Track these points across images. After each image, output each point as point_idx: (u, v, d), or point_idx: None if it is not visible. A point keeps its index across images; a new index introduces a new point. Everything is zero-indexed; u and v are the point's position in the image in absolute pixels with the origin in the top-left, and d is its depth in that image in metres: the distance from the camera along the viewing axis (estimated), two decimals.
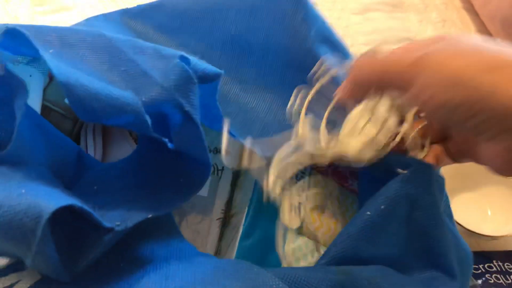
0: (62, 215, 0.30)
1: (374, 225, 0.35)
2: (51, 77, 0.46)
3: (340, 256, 0.35)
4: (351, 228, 0.36)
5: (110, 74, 0.36)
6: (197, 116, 0.34)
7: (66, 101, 0.45)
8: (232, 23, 0.48)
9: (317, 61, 0.43)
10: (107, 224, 0.31)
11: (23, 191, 0.30)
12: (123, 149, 0.43)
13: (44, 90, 0.45)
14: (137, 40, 0.37)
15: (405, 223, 0.36)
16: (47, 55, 0.35)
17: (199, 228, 0.42)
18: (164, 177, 0.36)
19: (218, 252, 0.42)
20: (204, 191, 0.44)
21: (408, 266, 0.36)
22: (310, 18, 0.46)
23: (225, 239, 0.42)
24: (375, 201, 0.36)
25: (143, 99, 0.34)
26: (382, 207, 0.35)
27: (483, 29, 0.77)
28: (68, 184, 0.37)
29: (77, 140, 0.44)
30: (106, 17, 0.51)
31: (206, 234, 0.42)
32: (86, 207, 0.30)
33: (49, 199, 0.29)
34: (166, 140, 0.35)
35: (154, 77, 0.34)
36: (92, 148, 0.42)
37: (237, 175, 0.46)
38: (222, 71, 0.36)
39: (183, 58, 0.34)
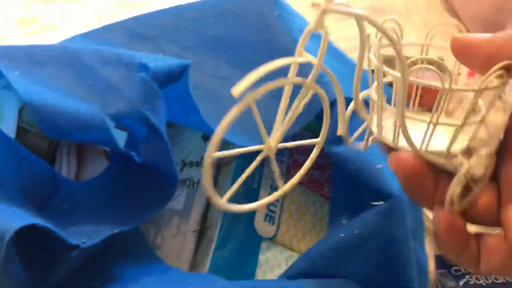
0: (29, 235, 0.31)
1: (346, 247, 0.36)
2: None
3: (307, 271, 0.35)
4: (322, 246, 0.36)
5: (78, 89, 0.36)
6: (163, 129, 0.34)
7: None
8: (210, 28, 0.49)
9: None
10: (72, 241, 0.31)
11: None
12: (98, 168, 0.43)
13: (20, 111, 0.45)
14: (100, 49, 0.37)
15: (376, 251, 0.36)
16: (11, 75, 0.35)
17: (175, 241, 0.42)
18: (133, 192, 0.36)
19: (193, 264, 0.42)
20: (179, 205, 0.44)
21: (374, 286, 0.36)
22: (285, 13, 0.47)
23: (200, 251, 0.42)
24: (350, 225, 0.36)
25: (110, 112, 0.34)
26: (356, 232, 0.35)
27: (465, 31, 0.77)
28: (41, 204, 0.37)
29: (53, 159, 0.44)
30: (85, 35, 0.52)
31: (181, 246, 0.42)
32: (49, 225, 0.30)
33: (13, 219, 0.30)
34: (134, 153, 0.35)
35: (120, 90, 0.35)
36: (66, 168, 0.42)
37: (214, 187, 0.46)
38: (189, 61, 0.37)
39: (142, 66, 0.34)
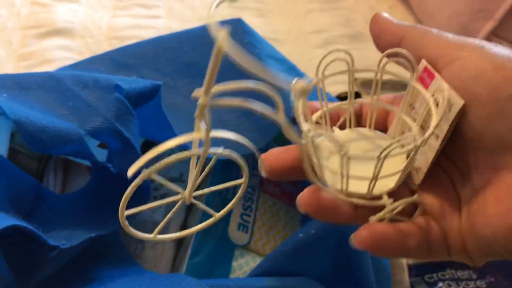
0: (13, 237, 0.34)
1: (304, 246, 0.39)
2: None
3: (271, 269, 0.38)
4: (284, 246, 0.39)
5: (60, 109, 0.40)
6: (135, 142, 0.38)
7: None
8: (186, 56, 0.53)
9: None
10: (52, 242, 0.34)
11: None
12: (81, 183, 0.46)
13: (13, 135, 0.49)
14: (80, 75, 0.41)
15: (333, 249, 0.40)
16: (0, 98, 0.39)
17: (154, 251, 0.45)
18: (110, 201, 0.39)
19: (172, 271, 0.45)
20: (159, 217, 0.47)
21: (333, 285, 0.39)
22: (254, 41, 0.51)
23: (178, 259, 0.45)
24: (309, 226, 0.39)
25: (88, 128, 0.38)
26: (313, 231, 0.39)
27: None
28: (27, 214, 0.41)
29: (42, 177, 0.48)
30: (73, 66, 0.56)
31: (160, 255, 0.45)
32: (30, 227, 0.34)
33: None
34: (110, 165, 0.39)
35: (97, 109, 0.39)
36: (53, 183, 0.46)
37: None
38: (160, 82, 0.40)
39: (117, 87, 0.38)
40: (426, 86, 0.29)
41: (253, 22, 0.90)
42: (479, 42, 0.27)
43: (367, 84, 0.74)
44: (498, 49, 0.27)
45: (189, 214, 0.49)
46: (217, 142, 0.31)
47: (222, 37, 0.21)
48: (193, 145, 0.28)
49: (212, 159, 0.32)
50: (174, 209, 0.32)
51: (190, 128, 0.48)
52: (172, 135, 0.42)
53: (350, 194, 0.29)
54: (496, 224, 0.26)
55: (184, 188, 0.30)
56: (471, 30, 0.68)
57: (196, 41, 0.54)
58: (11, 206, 0.39)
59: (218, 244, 0.45)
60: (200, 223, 0.45)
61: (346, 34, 0.84)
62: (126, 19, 0.88)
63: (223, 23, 0.55)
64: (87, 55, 0.81)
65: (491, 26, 0.65)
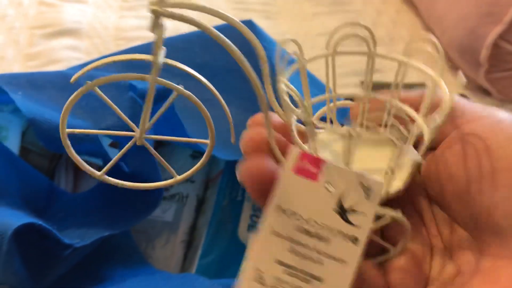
0: (27, 235, 0.34)
1: None
2: None
3: None
4: None
5: (74, 108, 0.40)
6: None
7: None
8: (197, 57, 0.54)
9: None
10: (66, 240, 0.35)
11: None
12: (92, 182, 0.46)
13: (24, 133, 0.49)
14: (94, 74, 0.41)
15: None
16: (16, 97, 0.39)
17: (164, 250, 0.45)
18: (122, 200, 0.40)
19: (182, 271, 0.45)
20: (169, 217, 0.47)
21: None
22: (263, 41, 0.51)
23: (188, 259, 0.45)
24: None
25: (102, 126, 0.38)
26: None
27: (446, 57, 0.81)
28: (40, 212, 0.41)
29: (53, 175, 0.48)
30: (82, 66, 0.57)
31: (170, 255, 0.45)
32: (45, 225, 0.34)
33: (14, 219, 0.33)
34: (122, 163, 0.39)
35: (110, 108, 0.39)
36: (64, 182, 0.46)
37: (202, 201, 0.50)
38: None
39: (132, 87, 0.38)
40: None
41: (260, 24, 0.90)
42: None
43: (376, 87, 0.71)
44: None
45: (199, 214, 0.49)
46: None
47: None
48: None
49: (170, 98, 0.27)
50: (124, 149, 0.29)
51: (202, 128, 0.48)
52: (184, 135, 0.42)
53: None
54: None
55: None
56: (479, 34, 0.68)
57: (207, 42, 0.54)
58: (25, 204, 0.39)
59: (228, 245, 0.45)
60: (210, 225, 0.46)
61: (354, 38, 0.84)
62: (133, 20, 0.88)
63: None
64: (94, 55, 0.81)
65: (500, 30, 0.65)
